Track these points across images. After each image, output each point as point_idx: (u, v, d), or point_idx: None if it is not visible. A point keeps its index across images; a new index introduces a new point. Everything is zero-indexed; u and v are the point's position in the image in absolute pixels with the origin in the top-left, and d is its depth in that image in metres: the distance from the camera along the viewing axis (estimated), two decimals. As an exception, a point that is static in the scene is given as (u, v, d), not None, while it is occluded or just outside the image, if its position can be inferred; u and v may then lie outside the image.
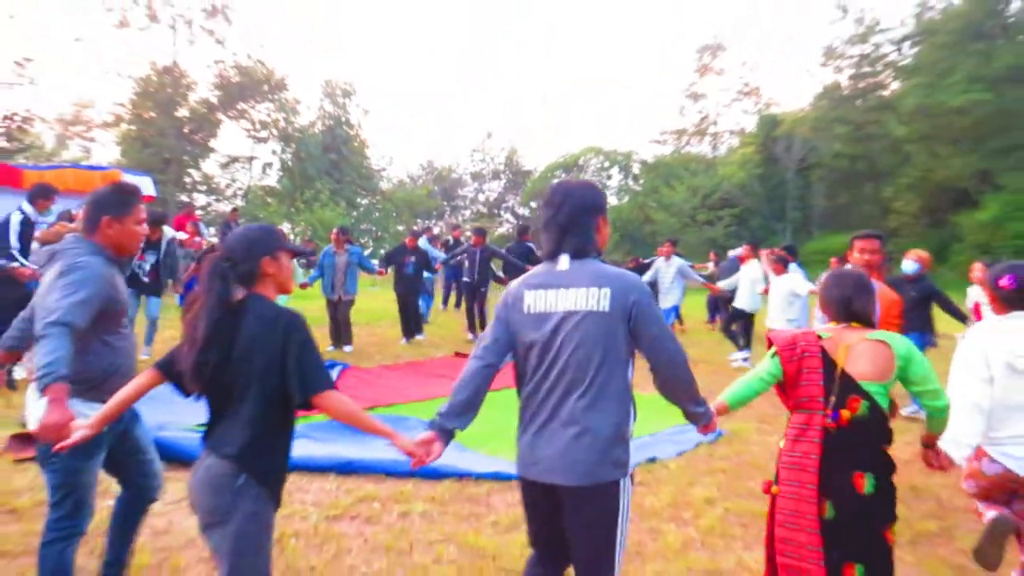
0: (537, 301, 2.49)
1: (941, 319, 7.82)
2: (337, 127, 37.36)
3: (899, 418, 3.86)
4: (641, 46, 71.40)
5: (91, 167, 15.13)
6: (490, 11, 73.84)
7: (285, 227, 31.71)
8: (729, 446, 6.21)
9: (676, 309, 11.90)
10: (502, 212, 42.09)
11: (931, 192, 30.73)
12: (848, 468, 2.79)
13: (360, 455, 5.31)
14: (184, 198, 28.84)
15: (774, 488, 3.01)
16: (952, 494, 4.98)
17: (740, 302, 10.55)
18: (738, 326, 10.62)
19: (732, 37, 60.95)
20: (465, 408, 2.57)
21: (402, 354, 10.65)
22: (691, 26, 74.38)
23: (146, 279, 8.90)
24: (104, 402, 2.61)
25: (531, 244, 12.31)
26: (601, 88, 71.04)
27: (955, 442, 3.11)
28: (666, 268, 11.66)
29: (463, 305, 12.84)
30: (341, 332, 10.52)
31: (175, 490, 4.31)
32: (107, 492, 4.70)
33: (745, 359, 10.24)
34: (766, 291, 9.86)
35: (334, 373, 8.64)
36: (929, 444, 3.14)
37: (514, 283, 2.63)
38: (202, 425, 2.57)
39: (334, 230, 11.10)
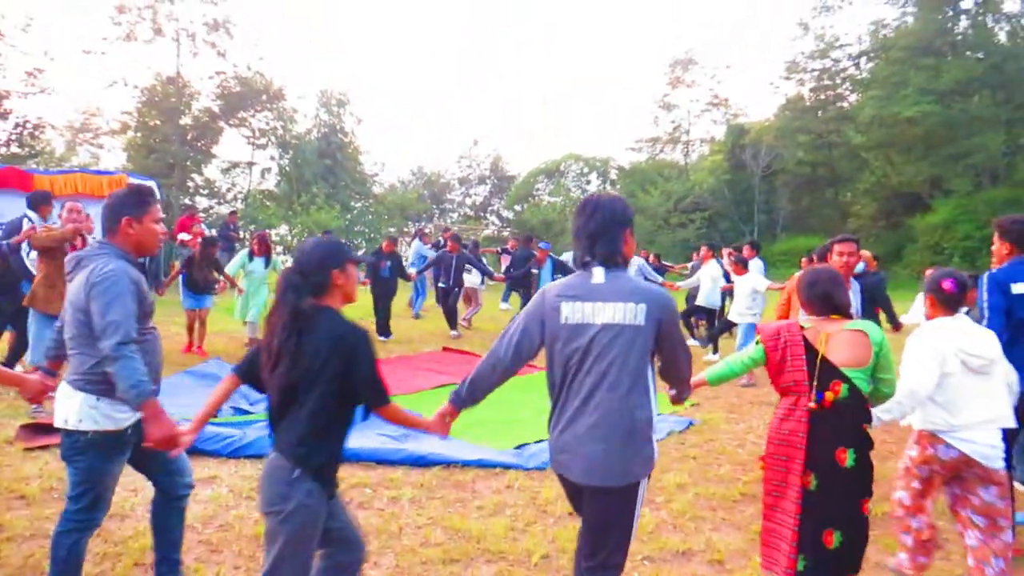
0: (575, 312, 2.51)
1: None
2: (332, 135, 37.21)
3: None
4: (617, 57, 71.44)
5: (99, 172, 14.98)
6: (479, 20, 73.68)
7: (283, 229, 31.55)
8: (700, 435, 6.24)
9: None
10: (488, 215, 42.05)
11: (887, 196, 31.03)
12: (831, 444, 2.93)
13: (353, 444, 5.27)
14: (187, 201, 28.57)
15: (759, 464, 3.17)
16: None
17: (701, 300, 10.84)
18: (705, 324, 10.80)
19: (703, 51, 61.22)
20: (481, 397, 2.72)
21: (394, 349, 10.61)
22: (664, 40, 74.29)
23: None
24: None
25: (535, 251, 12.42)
26: (581, 97, 71.01)
27: (898, 407, 3.20)
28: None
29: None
30: None
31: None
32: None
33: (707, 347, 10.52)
34: (727, 288, 10.28)
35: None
36: None
37: (549, 293, 2.62)
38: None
39: (321, 234, 10.96)
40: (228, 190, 37.46)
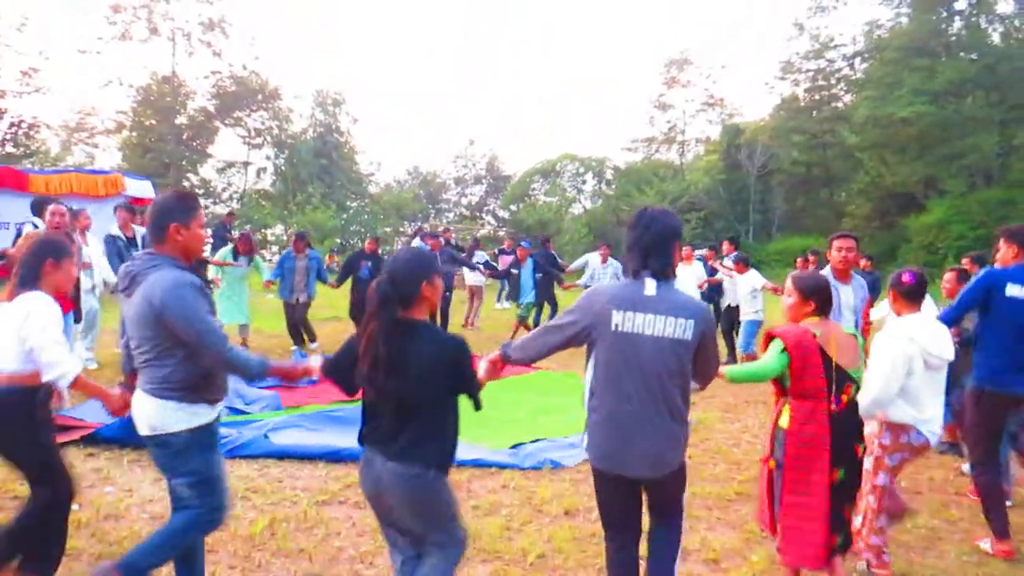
0: (625, 322, 2.66)
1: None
2: (328, 134, 37.21)
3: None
4: (613, 57, 71.53)
5: (94, 171, 14.95)
6: (476, 20, 73.64)
7: (278, 229, 31.54)
8: (695, 434, 6.23)
9: None
10: (484, 215, 42.04)
11: (881, 196, 31.06)
12: (851, 441, 3.22)
13: (349, 444, 5.26)
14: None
15: (771, 462, 3.34)
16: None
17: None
18: None
19: (698, 51, 61.21)
20: (525, 358, 2.96)
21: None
22: (660, 40, 74.37)
23: None
24: (206, 401, 2.80)
25: (554, 251, 12.48)
26: (577, 97, 71.09)
27: (876, 403, 3.43)
28: (602, 271, 11.26)
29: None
30: (302, 332, 9.98)
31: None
32: (106, 479, 4.66)
33: None
34: (702, 286, 10.64)
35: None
36: None
37: (600, 299, 2.75)
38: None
39: (294, 236, 10.84)
40: (224, 190, 37.45)
